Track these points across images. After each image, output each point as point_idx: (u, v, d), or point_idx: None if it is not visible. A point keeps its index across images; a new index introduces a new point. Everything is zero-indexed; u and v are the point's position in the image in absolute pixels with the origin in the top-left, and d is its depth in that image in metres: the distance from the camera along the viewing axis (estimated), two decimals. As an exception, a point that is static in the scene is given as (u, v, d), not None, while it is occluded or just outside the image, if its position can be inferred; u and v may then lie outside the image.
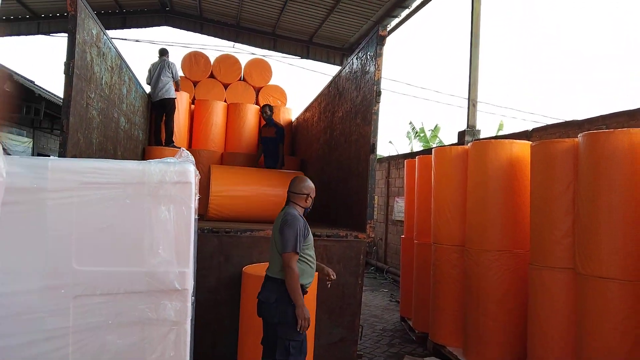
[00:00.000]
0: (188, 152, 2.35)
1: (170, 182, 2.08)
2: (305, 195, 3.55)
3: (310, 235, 3.53)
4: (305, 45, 13.05)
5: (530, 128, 6.06)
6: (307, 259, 3.48)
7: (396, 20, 10.38)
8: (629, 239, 3.41)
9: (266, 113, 8.33)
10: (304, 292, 3.41)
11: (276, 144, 8.06)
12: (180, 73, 8.82)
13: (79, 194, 1.97)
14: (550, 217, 4.02)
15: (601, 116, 4.92)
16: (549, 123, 6.08)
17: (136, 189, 2.06)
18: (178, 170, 2.09)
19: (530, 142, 4.52)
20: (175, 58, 9.05)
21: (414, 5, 9.69)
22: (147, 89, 8.90)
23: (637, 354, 3.29)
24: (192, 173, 2.13)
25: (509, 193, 4.62)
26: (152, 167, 2.06)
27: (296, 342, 3.27)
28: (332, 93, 6.80)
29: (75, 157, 4.54)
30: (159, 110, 8.60)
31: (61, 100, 11.73)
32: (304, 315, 3.21)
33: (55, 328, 1.96)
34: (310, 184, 3.64)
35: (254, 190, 6.20)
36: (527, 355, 4.25)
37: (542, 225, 4.10)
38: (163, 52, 8.83)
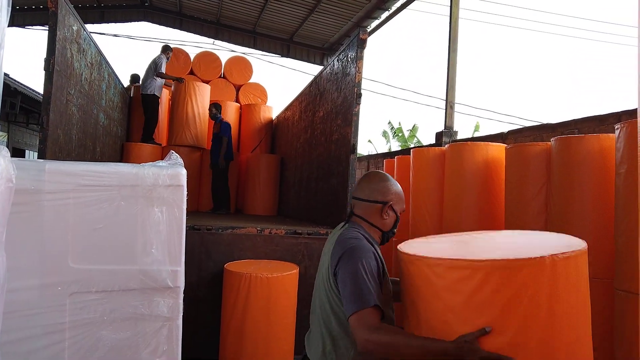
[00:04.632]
0: (177, 154, 2.42)
1: (163, 185, 2.16)
2: (380, 205, 2.00)
3: (388, 280, 1.97)
4: (285, 44, 13.10)
5: (505, 130, 6.23)
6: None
7: (376, 22, 10.51)
8: (598, 240, 3.58)
9: (211, 112, 8.23)
10: None
11: (220, 140, 7.91)
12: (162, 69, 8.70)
13: (75, 196, 2.04)
14: (524, 217, 4.17)
15: (573, 120, 5.10)
16: (524, 125, 6.27)
17: (130, 192, 2.13)
18: (171, 174, 2.17)
19: (505, 145, 4.67)
20: (154, 54, 9.01)
21: (394, 7, 9.83)
22: (126, 83, 8.88)
23: (606, 346, 3.45)
24: (183, 177, 2.22)
25: (484, 194, 4.77)
26: (146, 171, 2.14)
27: None
28: (313, 93, 6.88)
29: (55, 154, 4.55)
30: (142, 106, 8.59)
31: (37, 94, 11.65)
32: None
33: (52, 324, 2.03)
34: (393, 185, 2.05)
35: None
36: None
37: (516, 225, 4.25)
38: (163, 49, 8.83)
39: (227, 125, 8.08)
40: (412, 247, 1.81)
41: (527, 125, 6.21)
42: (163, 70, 8.58)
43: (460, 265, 1.48)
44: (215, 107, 8.26)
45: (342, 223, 2.10)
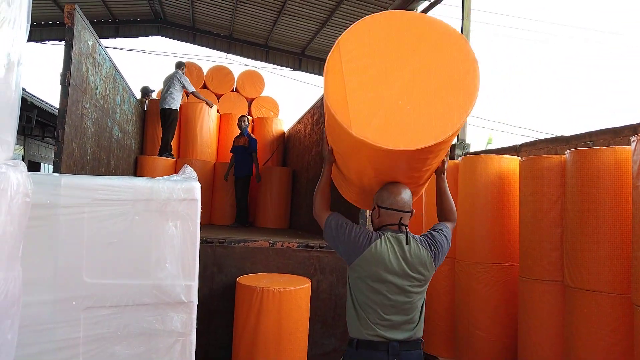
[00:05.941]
0: (192, 168, 2.43)
1: (178, 199, 2.16)
2: (410, 213, 2.51)
3: None
4: (297, 58, 13.19)
5: (519, 143, 6.19)
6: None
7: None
8: (614, 254, 3.52)
9: (245, 123, 8.36)
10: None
11: (248, 154, 8.13)
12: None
13: (90, 210, 2.05)
14: (538, 231, 4.12)
15: (587, 133, 5.05)
16: (537, 138, 6.22)
17: (145, 206, 2.14)
18: (185, 188, 2.17)
19: (519, 157, 4.63)
20: (168, 68, 9.16)
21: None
22: (139, 96, 9.01)
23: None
24: (198, 190, 2.22)
25: (498, 206, 4.72)
26: (160, 185, 2.14)
27: None
28: (324, 106, 6.89)
29: (70, 167, 4.59)
30: (160, 119, 8.71)
31: (53, 108, 11.79)
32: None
33: (65, 338, 2.02)
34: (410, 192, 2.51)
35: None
36: (516, 366, 4.34)
37: (531, 239, 4.20)
38: (177, 65, 8.99)
39: (256, 141, 8.36)
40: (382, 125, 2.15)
41: (540, 137, 6.16)
42: (193, 87, 8.90)
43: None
44: (248, 120, 8.50)
45: (403, 235, 2.44)
